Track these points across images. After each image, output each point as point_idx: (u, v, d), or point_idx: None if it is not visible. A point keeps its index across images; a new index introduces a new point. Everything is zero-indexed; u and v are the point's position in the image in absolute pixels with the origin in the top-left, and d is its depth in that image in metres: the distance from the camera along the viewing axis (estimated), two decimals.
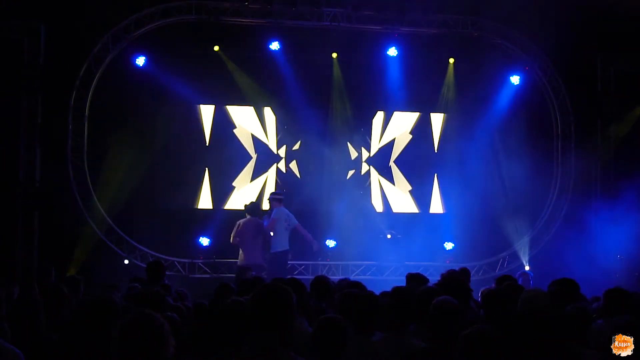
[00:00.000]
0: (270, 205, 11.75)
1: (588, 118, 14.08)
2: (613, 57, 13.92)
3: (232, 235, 11.34)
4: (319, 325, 4.04)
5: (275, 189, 13.20)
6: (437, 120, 14.38)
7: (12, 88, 12.19)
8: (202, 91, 13.21)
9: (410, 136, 14.31)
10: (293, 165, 13.98)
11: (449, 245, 13.87)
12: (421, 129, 14.32)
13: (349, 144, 14.17)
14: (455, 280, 6.24)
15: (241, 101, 13.72)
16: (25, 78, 12.23)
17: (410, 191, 14.27)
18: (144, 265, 9.64)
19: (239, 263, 11.28)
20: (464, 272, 7.98)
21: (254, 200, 12.47)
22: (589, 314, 5.06)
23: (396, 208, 14.17)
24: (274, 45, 13.38)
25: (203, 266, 13.10)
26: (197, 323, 5.58)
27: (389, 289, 5.14)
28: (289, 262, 12.02)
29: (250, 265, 10.67)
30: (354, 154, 14.22)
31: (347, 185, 14.11)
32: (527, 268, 12.93)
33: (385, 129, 14.31)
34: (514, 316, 4.20)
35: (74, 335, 4.08)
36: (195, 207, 13.49)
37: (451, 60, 14.12)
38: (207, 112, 13.57)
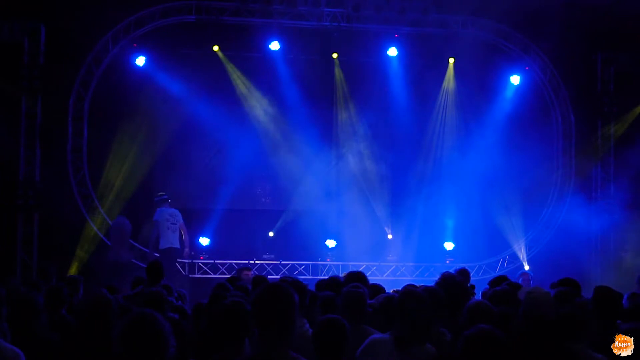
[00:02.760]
0: (157, 206, 11.72)
1: (588, 118, 14.09)
2: (613, 56, 13.94)
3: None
4: (320, 326, 4.04)
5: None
6: (436, 119, 14.36)
7: (12, 88, 12.19)
8: (201, 91, 13.20)
9: (410, 136, 14.29)
10: (293, 165, 13.96)
11: (449, 246, 13.86)
12: (421, 129, 14.30)
13: (349, 144, 14.15)
14: (453, 282, 6.17)
15: (240, 101, 13.70)
16: (25, 78, 12.23)
17: (409, 191, 14.24)
18: (144, 266, 9.63)
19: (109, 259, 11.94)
20: (464, 273, 7.94)
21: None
22: (589, 314, 5.04)
23: (396, 208, 14.15)
24: (274, 46, 13.36)
25: (203, 266, 13.10)
26: (197, 323, 5.58)
27: (389, 289, 5.13)
28: (180, 260, 12.24)
29: (115, 262, 11.59)
30: (354, 153, 14.19)
31: (348, 185, 14.09)
32: (527, 268, 12.93)
33: (384, 128, 14.30)
34: (518, 316, 4.19)
35: (74, 335, 4.09)
36: (195, 207, 13.47)
37: (451, 60, 14.12)
38: (206, 112, 13.55)
